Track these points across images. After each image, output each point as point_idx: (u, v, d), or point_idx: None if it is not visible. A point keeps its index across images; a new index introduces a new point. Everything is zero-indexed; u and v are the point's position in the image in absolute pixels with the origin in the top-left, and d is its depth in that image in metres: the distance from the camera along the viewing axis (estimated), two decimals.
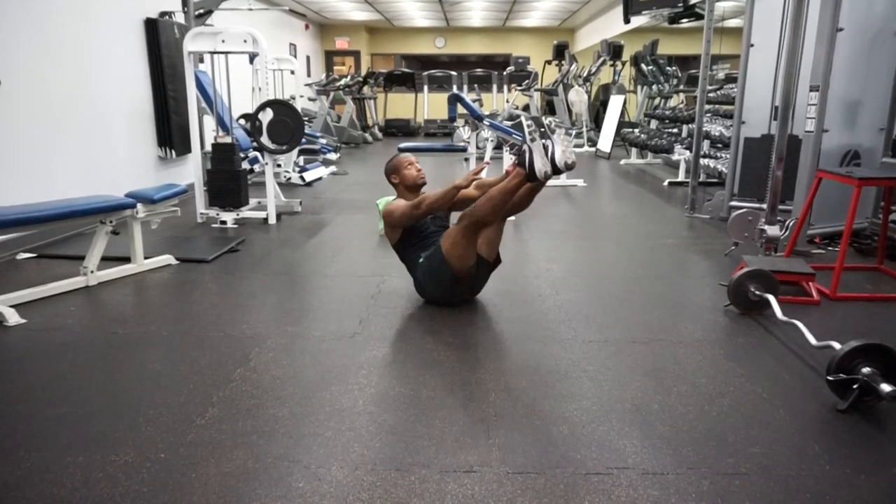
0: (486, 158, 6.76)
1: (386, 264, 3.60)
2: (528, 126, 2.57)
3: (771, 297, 2.73)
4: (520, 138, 6.11)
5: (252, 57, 4.74)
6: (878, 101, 4.06)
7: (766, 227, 3.42)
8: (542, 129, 2.67)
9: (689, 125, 7.34)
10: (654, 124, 9.43)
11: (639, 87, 11.23)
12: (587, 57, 12.64)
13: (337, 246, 4.16)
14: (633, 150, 8.88)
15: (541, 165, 2.50)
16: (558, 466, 1.69)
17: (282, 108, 4.71)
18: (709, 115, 6.61)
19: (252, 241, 4.28)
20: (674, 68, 10.42)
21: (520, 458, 1.73)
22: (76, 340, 2.56)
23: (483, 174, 3.04)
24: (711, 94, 6.47)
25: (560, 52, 11.48)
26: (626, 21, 8.06)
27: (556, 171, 2.65)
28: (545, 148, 2.63)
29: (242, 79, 5.28)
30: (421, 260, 2.89)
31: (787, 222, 3.62)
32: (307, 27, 13.81)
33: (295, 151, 6.41)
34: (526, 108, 11.90)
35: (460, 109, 5.65)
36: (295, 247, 4.17)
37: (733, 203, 4.69)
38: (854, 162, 4.06)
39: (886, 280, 3.43)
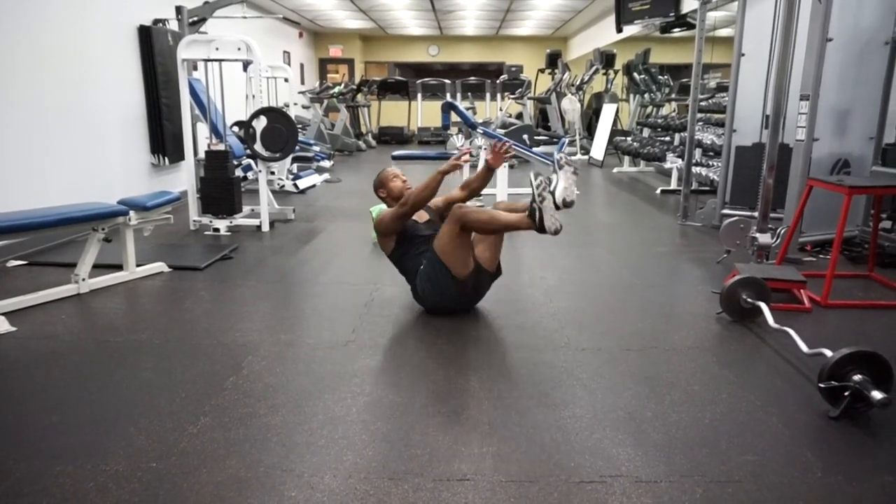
0: (479, 165, 6.79)
1: (379, 272, 3.59)
2: (539, 186, 2.56)
3: (763, 305, 2.75)
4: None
5: (246, 64, 4.74)
6: (867, 110, 4.10)
7: (757, 234, 3.44)
8: (551, 175, 2.68)
9: (682, 133, 7.38)
10: (646, 133, 9.48)
11: (631, 96, 11.31)
12: (580, 66, 12.72)
13: (330, 254, 4.16)
14: (626, 159, 8.93)
15: (550, 224, 2.51)
16: (552, 475, 1.69)
17: (275, 115, 4.71)
18: (700, 123, 6.66)
19: (245, 248, 4.27)
20: (666, 77, 10.49)
21: (513, 467, 1.72)
22: (67, 349, 2.54)
23: (465, 164, 3.07)
24: (703, 103, 6.53)
25: (553, 60, 11.55)
26: (619, 30, 8.11)
27: (559, 207, 2.65)
28: (549, 181, 2.65)
29: (236, 86, 5.28)
30: (422, 267, 2.89)
31: (778, 230, 3.64)
32: (301, 35, 13.84)
33: (288, 159, 6.40)
34: (519, 116, 11.95)
35: (454, 117, 5.66)
36: (288, 254, 4.16)
37: (725, 211, 4.72)
38: (844, 170, 4.10)
39: (877, 288, 3.45)
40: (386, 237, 2.98)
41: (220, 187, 4.71)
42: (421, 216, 3.09)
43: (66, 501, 1.55)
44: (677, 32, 8.10)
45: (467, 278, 2.80)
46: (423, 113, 13.45)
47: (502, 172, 5.06)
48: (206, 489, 1.61)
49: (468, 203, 2.97)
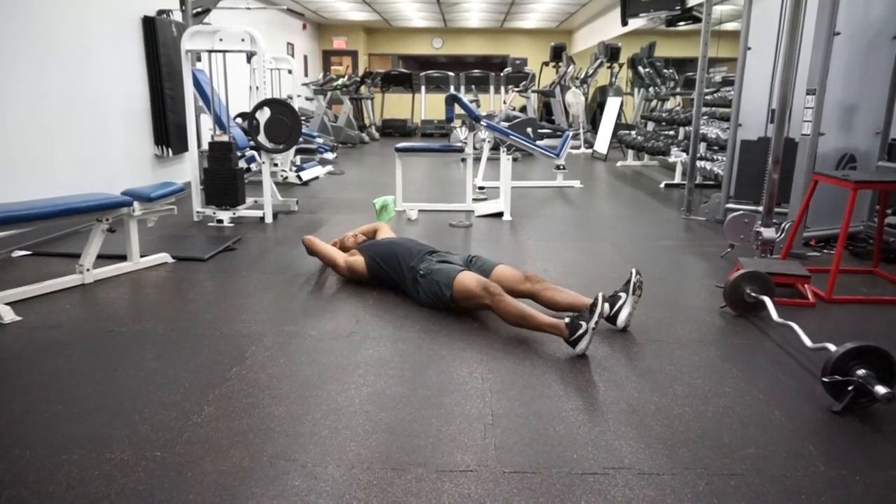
0: (483, 159, 6.77)
1: None
2: (600, 313, 2.42)
3: (766, 299, 2.74)
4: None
5: (249, 56, 4.74)
6: (874, 104, 4.08)
7: (762, 229, 3.43)
8: (619, 292, 2.64)
9: (686, 127, 7.36)
10: (650, 126, 9.45)
11: (636, 90, 11.26)
12: (585, 59, 12.67)
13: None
14: (630, 152, 8.91)
15: (584, 347, 2.36)
16: (554, 466, 1.69)
17: (279, 107, 4.70)
18: (705, 117, 6.63)
19: (248, 239, 4.28)
20: (671, 71, 10.44)
21: (516, 458, 1.73)
22: (72, 338, 2.55)
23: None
24: (708, 97, 6.49)
25: (557, 53, 11.51)
26: (624, 23, 8.09)
27: (611, 321, 2.62)
28: (616, 299, 2.62)
29: (240, 78, 5.28)
30: (422, 273, 2.88)
31: (782, 225, 3.63)
32: (305, 27, 13.80)
33: (292, 151, 6.40)
34: (523, 109, 11.92)
35: (458, 110, 5.64)
36: (291, 246, 4.16)
37: (729, 205, 4.71)
38: (850, 165, 4.08)
39: (881, 283, 3.44)
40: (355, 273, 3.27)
41: (224, 178, 4.72)
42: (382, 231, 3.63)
43: (71, 489, 1.56)
44: (683, 26, 8.05)
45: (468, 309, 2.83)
46: (427, 105, 13.42)
47: (506, 165, 5.05)
48: (209, 478, 1.62)
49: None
